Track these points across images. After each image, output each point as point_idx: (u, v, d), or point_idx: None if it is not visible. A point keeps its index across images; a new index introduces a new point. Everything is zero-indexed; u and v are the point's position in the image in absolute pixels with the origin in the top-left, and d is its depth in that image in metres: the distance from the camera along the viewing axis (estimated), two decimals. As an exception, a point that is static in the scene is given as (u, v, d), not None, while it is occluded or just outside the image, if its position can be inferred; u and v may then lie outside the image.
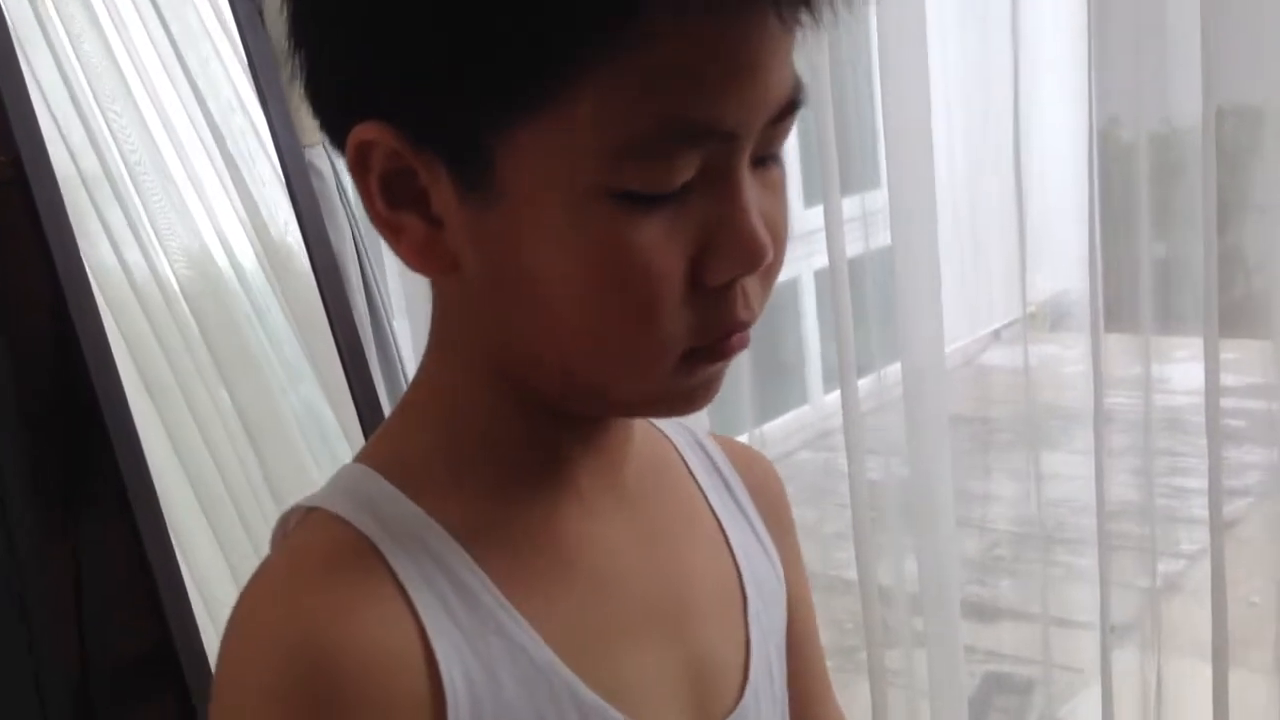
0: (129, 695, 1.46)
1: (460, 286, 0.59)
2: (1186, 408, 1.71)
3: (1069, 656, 2.01)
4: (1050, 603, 1.88)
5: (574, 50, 0.51)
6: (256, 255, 1.65)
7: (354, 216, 1.74)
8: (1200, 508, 1.50)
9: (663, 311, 0.55)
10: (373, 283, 1.77)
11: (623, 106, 0.51)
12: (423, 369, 0.64)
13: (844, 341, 1.71)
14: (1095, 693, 1.72)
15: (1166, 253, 1.65)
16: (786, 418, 3.02)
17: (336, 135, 0.57)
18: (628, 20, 0.50)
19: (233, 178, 1.64)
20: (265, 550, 0.63)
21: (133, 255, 1.52)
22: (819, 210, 1.68)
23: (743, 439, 1.42)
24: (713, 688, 0.67)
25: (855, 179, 1.82)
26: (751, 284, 0.57)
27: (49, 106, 1.46)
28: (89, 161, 1.50)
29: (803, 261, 2.75)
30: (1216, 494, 1.46)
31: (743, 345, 0.59)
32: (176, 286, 1.55)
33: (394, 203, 0.57)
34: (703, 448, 0.74)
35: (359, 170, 0.56)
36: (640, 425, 0.69)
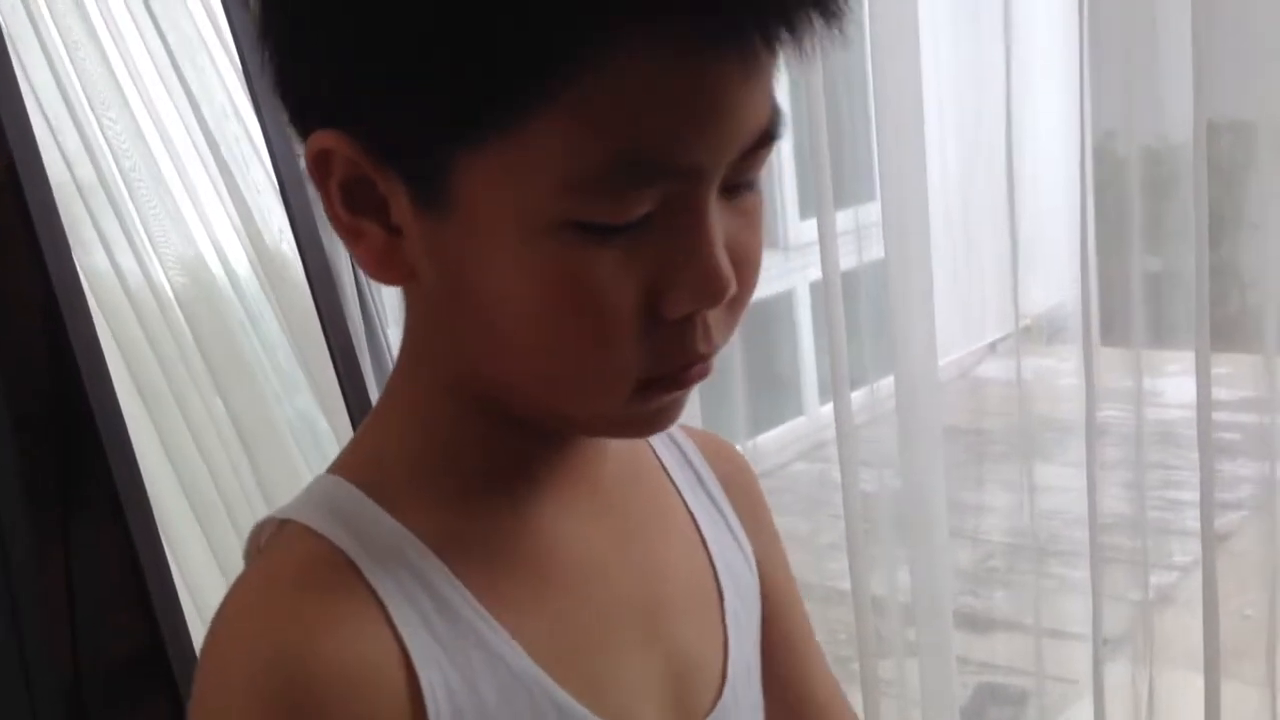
0: (121, 698, 1.46)
1: (424, 297, 0.59)
2: (1179, 421, 1.72)
3: (1062, 668, 2.01)
4: (1043, 614, 1.88)
5: (540, 81, 0.49)
6: (251, 263, 1.65)
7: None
8: (1192, 520, 1.50)
9: (614, 343, 0.54)
10: (367, 291, 1.77)
11: (578, 139, 0.50)
12: (392, 378, 0.64)
13: (838, 354, 1.72)
14: (1088, 704, 1.72)
15: (1159, 267, 1.66)
16: (781, 429, 3.02)
17: (301, 132, 0.57)
18: (597, 53, 0.49)
19: (227, 185, 1.64)
20: (257, 556, 0.63)
21: (127, 262, 1.52)
22: (813, 223, 1.68)
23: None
24: (692, 686, 0.67)
25: (849, 192, 1.82)
26: (715, 315, 0.56)
27: (44, 113, 1.45)
28: (84, 168, 1.49)
29: (798, 274, 2.76)
30: (1208, 507, 1.47)
31: (703, 375, 0.57)
32: (170, 293, 1.55)
33: (354, 208, 0.56)
34: (675, 441, 0.74)
35: (319, 174, 0.55)
36: None
